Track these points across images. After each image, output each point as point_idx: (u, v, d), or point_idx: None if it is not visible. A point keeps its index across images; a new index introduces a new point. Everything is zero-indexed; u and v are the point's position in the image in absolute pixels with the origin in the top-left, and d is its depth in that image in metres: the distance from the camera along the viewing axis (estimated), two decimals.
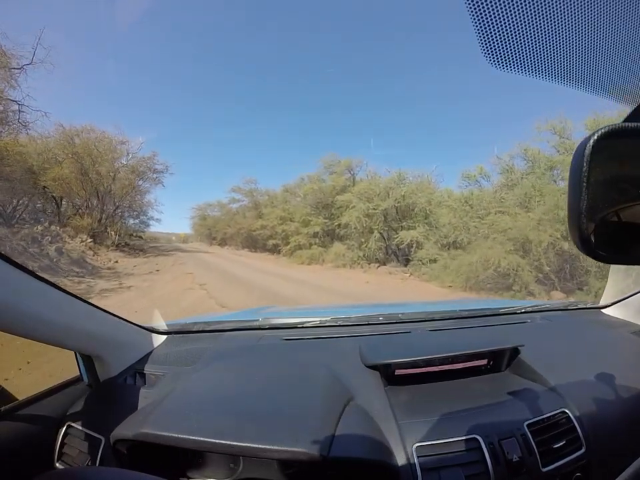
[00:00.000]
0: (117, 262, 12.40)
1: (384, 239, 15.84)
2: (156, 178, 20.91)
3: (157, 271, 10.37)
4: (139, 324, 1.22)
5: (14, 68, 11.44)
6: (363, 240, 15.27)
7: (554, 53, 0.48)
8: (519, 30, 0.45)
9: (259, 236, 22.99)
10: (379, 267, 14.77)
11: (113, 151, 17.45)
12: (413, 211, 15.46)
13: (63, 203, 17.42)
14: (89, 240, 13.85)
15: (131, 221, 25.88)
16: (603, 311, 1.66)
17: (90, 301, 0.97)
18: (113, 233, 18.31)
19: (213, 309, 5.79)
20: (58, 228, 12.16)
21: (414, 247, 13.67)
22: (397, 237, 14.45)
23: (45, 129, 15.50)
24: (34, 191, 15.45)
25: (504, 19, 0.43)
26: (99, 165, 16.27)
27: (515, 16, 0.43)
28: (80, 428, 0.94)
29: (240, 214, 28.94)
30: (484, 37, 0.45)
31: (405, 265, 14.14)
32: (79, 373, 1.11)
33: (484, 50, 0.46)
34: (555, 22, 0.45)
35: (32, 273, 0.77)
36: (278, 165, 75.04)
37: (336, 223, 16.39)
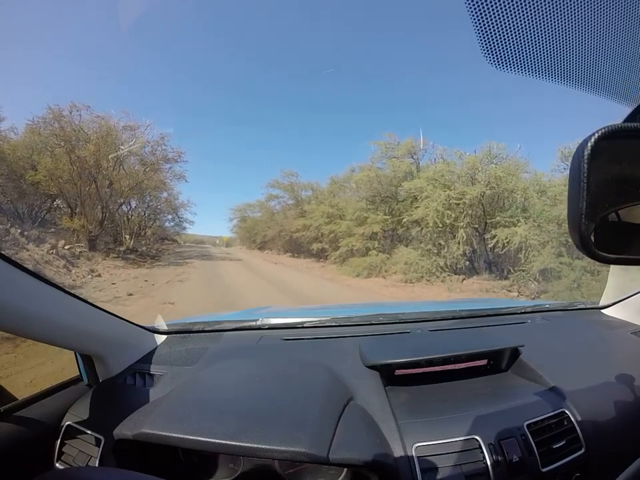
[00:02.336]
0: (98, 276, 9.09)
1: (472, 240, 11.26)
2: (170, 168, 17.10)
3: (130, 295, 6.54)
4: (139, 324, 1.20)
5: None
6: (441, 242, 10.78)
7: (554, 52, 0.48)
8: (519, 30, 0.45)
9: (302, 238, 18.47)
10: (464, 280, 10.49)
11: (114, 136, 14.00)
12: (507, 201, 10.96)
13: (57, 201, 14.66)
14: (68, 246, 10.66)
15: (167, 224, 23.25)
16: (603, 311, 1.65)
17: None
18: (127, 236, 15.41)
19: None
20: (17, 231, 9.15)
21: (524, 252, 9.39)
22: (494, 237, 10.11)
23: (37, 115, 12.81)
24: (27, 189, 12.83)
25: (504, 19, 0.43)
26: (84, 149, 12.79)
27: (515, 16, 0.43)
28: (80, 428, 0.93)
29: (280, 213, 24.63)
30: (484, 37, 0.45)
31: (501, 277, 10.26)
32: (78, 373, 1.10)
33: (484, 50, 0.46)
34: (555, 22, 0.45)
35: (32, 273, 0.75)
36: (325, 157, 72.31)
37: (404, 220, 11.79)
